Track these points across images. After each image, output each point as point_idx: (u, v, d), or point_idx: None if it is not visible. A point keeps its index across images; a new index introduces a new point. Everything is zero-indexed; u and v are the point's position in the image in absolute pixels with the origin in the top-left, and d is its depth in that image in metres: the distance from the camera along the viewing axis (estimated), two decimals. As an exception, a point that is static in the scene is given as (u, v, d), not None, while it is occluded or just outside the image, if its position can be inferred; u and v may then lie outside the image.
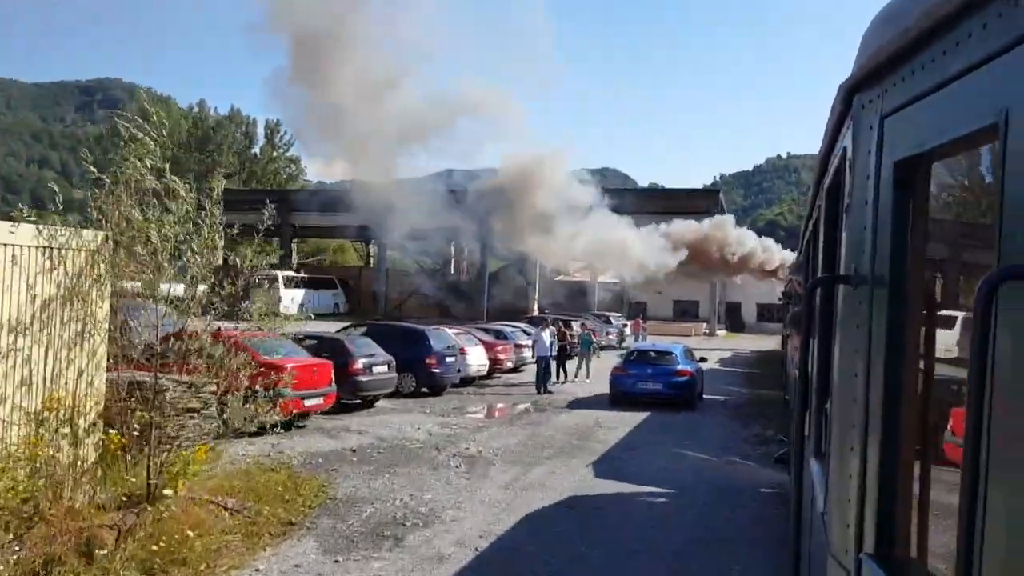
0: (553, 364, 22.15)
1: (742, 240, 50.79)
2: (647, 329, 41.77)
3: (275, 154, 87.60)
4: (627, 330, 41.62)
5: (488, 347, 23.76)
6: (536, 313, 59.78)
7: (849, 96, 2.21)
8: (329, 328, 21.83)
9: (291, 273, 54.93)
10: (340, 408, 16.35)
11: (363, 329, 20.35)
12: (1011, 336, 1.30)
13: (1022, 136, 1.31)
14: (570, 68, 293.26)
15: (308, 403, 14.13)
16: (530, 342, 24.01)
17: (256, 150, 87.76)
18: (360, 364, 16.47)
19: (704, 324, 56.33)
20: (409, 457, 12.42)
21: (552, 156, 48.26)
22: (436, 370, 19.15)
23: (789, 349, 17.00)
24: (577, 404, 18.91)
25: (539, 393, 20.41)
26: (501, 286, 64.89)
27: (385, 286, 58.98)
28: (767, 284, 53.60)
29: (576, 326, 32.54)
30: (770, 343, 49.63)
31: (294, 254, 68.65)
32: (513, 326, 28.71)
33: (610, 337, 38.85)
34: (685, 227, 49.17)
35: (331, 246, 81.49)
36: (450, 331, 22.27)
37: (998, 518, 1.29)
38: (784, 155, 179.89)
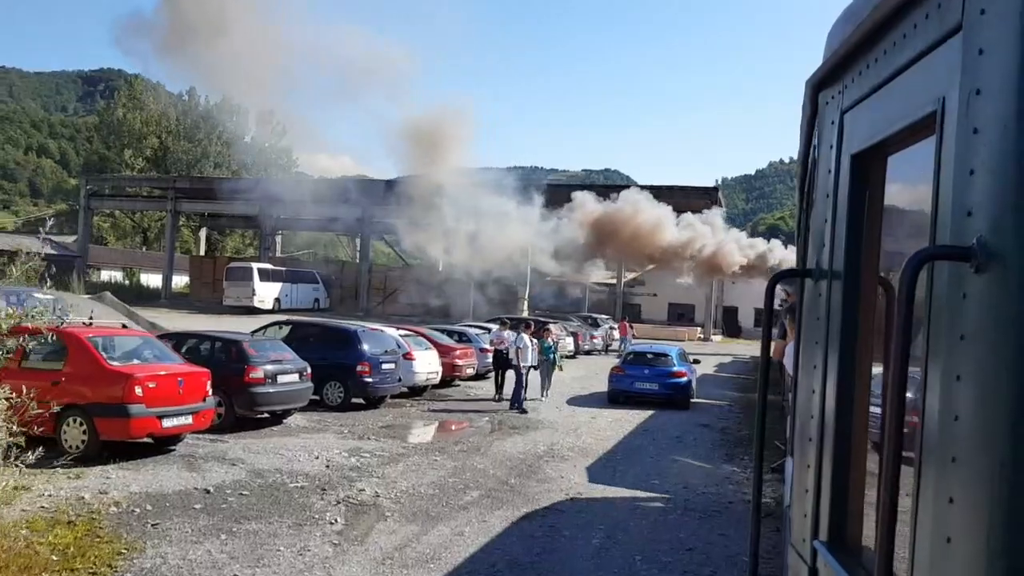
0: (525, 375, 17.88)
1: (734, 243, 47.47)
2: (634, 333, 38.32)
3: (266, 144, 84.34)
4: (615, 333, 38.16)
5: (444, 351, 20.40)
6: (525, 314, 56.71)
7: (815, 93, 2.27)
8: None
9: (267, 266, 51.56)
10: (238, 426, 13.06)
11: (287, 328, 16.97)
12: (938, 314, 1.32)
13: (955, 123, 1.32)
14: (568, 68, 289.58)
15: (168, 424, 10.79)
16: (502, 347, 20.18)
17: (248, 139, 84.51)
18: (259, 372, 13.12)
19: (699, 328, 52.88)
20: (276, 504, 9.07)
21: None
22: (369, 379, 15.78)
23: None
24: (533, 426, 15.54)
25: (516, 409, 16.90)
26: (490, 285, 61.63)
27: (368, 281, 55.62)
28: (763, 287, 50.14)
29: (555, 329, 29.22)
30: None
31: (277, 246, 65.43)
32: (481, 327, 25.34)
33: (595, 341, 35.44)
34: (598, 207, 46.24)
35: (324, 240, 78.24)
36: (396, 332, 18.93)
37: (927, 498, 1.30)
38: (786, 159, 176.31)
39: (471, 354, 21.39)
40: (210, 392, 11.53)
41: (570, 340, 31.12)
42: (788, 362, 4.91)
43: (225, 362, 13.25)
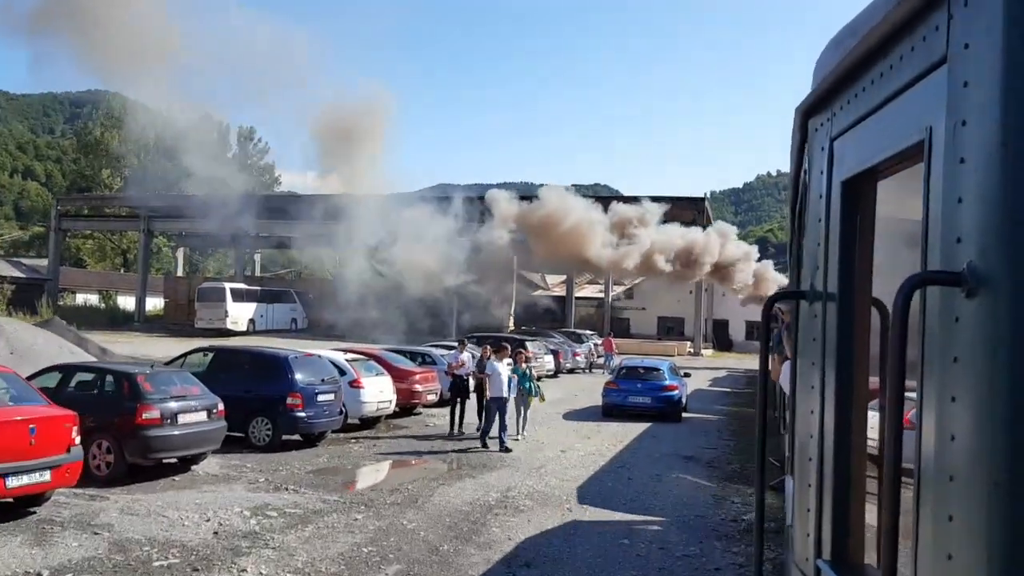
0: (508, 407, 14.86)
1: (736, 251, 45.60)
2: (617, 349, 36.01)
3: (248, 161, 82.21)
4: (602, 349, 35.86)
5: (401, 376, 18.12)
6: (511, 329, 54.44)
7: (804, 120, 2.30)
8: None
9: (240, 286, 49.21)
10: (133, 475, 10.80)
11: (209, 356, 14.63)
12: (931, 337, 1.36)
13: (942, 152, 1.36)
14: (557, 85, 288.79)
15: (14, 483, 8.47)
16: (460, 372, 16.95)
17: (230, 156, 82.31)
18: (155, 412, 10.82)
19: (689, 343, 50.67)
20: (117, 598, 6.79)
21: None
22: (301, 413, 13.47)
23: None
24: (491, 464, 13.25)
25: (501, 449, 14.14)
26: (474, 300, 59.35)
27: (343, 300, 53.25)
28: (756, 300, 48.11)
29: (534, 348, 26.98)
30: (756, 364, 44.27)
31: (256, 265, 63.16)
32: (448, 347, 23.05)
33: (578, 358, 33.14)
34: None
35: (309, 257, 75.88)
36: (343, 356, 16.64)
37: (926, 517, 1.32)
38: (774, 172, 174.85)
39: (433, 378, 19.09)
40: (76, 440, 9.22)
41: (550, 358, 28.85)
42: (785, 381, 3.96)
43: (114, 400, 10.96)
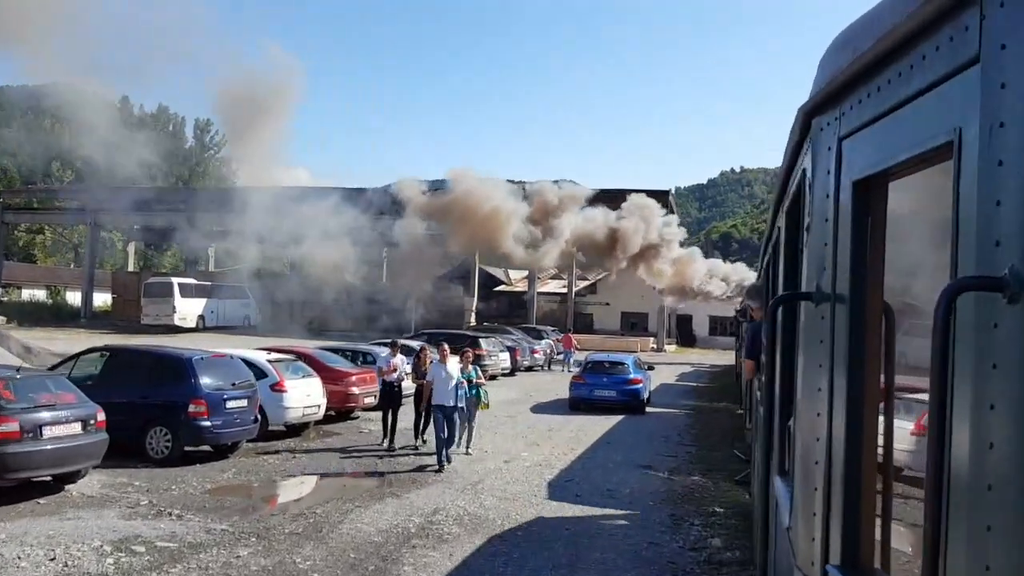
0: (456, 419, 12.68)
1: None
2: (578, 345, 34.48)
3: (205, 155, 79.60)
4: (561, 346, 34.30)
5: (336, 377, 16.40)
6: (472, 325, 52.79)
7: (808, 119, 2.24)
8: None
9: (189, 280, 46.92)
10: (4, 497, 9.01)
11: (104, 357, 12.73)
12: (966, 343, 1.30)
13: (974, 154, 1.31)
14: (519, 81, 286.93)
15: None
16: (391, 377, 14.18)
17: (186, 148, 79.66)
18: (13, 424, 8.97)
19: (652, 338, 49.39)
20: None
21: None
22: (205, 422, 11.68)
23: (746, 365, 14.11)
24: (420, 481, 11.57)
25: (439, 468, 12.02)
26: (434, 296, 57.57)
27: (300, 295, 51.17)
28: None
29: (488, 346, 25.36)
30: (724, 358, 43.11)
31: (210, 260, 60.76)
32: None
33: (536, 355, 31.54)
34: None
35: (268, 253, 73.42)
36: (265, 356, 14.85)
37: (959, 529, 1.28)
38: (738, 168, 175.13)
39: (372, 379, 17.30)
40: None
41: (505, 356, 27.25)
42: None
43: (-37, 411, 9.13)
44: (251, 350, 15.58)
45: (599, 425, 17.53)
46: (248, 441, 13.08)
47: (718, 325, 57.18)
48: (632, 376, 20.01)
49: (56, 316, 50.80)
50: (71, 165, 73.11)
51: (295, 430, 14.75)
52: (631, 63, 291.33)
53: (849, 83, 1.88)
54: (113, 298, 54.12)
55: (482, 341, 24.98)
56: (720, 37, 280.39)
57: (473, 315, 57.96)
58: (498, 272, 66.89)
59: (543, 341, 33.57)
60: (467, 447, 13.41)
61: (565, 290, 57.50)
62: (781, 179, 3.34)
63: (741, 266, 49.23)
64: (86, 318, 50.99)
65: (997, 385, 1.22)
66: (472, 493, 10.71)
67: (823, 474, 1.96)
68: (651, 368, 23.17)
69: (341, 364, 17.21)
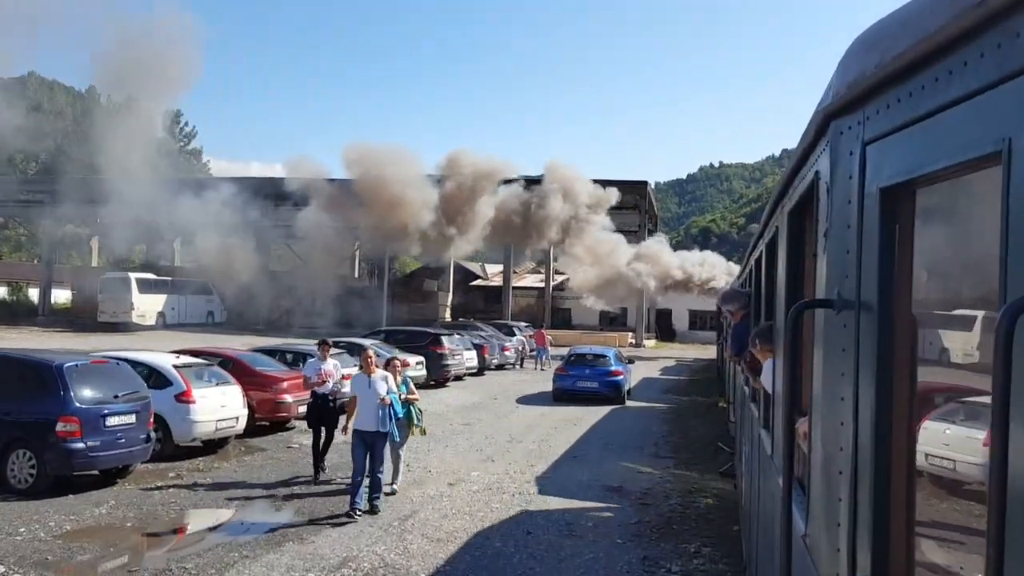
0: (388, 446, 9.84)
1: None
2: (552, 341, 32.27)
3: (175, 146, 76.61)
4: (534, 343, 32.11)
5: (263, 383, 14.18)
6: (448, 319, 50.57)
7: (827, 120, 2.15)
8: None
9: (148, 276, 44.38)
10: None
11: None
12: (1017, 362, 1.22)
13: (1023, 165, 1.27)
14: (496, 76, 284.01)
15: None
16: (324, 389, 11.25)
17: (157, 138, 76.51)
18: None
19: (630, 333, 47.37)
20: None
21: None
22: (78, 443, 9.42)
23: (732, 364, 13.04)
24: (342, 516, 9.34)
25: (351, 514, 9.01)
26: (409, 291, 55.29)
27: (270, 291, 48.72)
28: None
29: (450, 344, 23.18)
30: (705, 352, 41.28)
31: (176, 254, 58.11)
32: (342, 344, 19.05)
33: (507, 353, 29.36)
34: None
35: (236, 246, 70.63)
36: (172, 360, 12.57)
37: (1018, 544, 1.22)
38: (716, 164, 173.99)
39: (298, 386, 15.10)
40: None
41: (472, 355, 25.06)
42: (766, 381, 4.10)
43: None
44: (158, 353, 13.30)
45: (568, 431, 15.40)
46: (147, 462, 10.85)
47: (698, 319, 55.33)
48: (613, 368, 20.49)
49: (11, 313, 48.08)
50: (35, 156, 70.14)
51: (211, 447, 12.52)
52: (609, 58, 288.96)
53: (877, 86, 1.78)
54: (73, 295, 51.43)
55: (444, 339, 22.77)
56: (699, 33, 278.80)
57: (448, 310, 55.83)
58: (474, 267, 64.76)
59: (515, 338, 31.37)
60: (392, 483, 10.25)
61: (543, 284, 55.40)
62: (785, 178, 3.22)
63: (711, 255, 47.10)
64: (44, 315, 48.36)
65: None
66: (397, 533, 8.51)
67: (848, 485, 1.90)
68: (632, 361, 23.85)
69: (271, 368, 14.98)
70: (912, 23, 1.60)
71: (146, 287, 42.90)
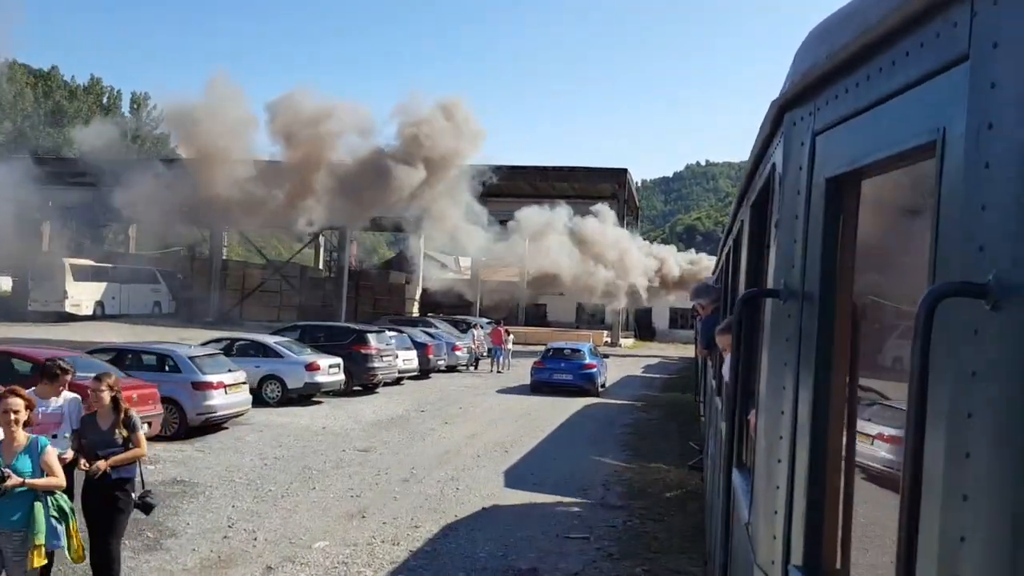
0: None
1: None
2: (513, 339, 28.07)
3: (142, 131, 72.18)
4: (490, 341, 27.87)
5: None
6: (416, 313, 46.64)
7: (780, 113, 2.14)
8: None
9: (85, 262, 40.14)
10: None
11: None
12: (945, 350, 1.22)
13: (958, 154, 1.24)
14: (483, 69, 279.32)
15: None
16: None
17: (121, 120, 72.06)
18: None
19: (606, 332, 43.48)
20: None
21: None
22: None
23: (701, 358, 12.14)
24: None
25: None
26: (374, 283, 51.14)
27: (223, 280, 44.55)
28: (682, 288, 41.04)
29: (377, 342, 19.21)
30: (685, 351, 37.53)
31: (131, 241, 53.78)
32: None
33: (458, 353, 25.26)
34: None
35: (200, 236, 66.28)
36: None
37: (932, 539, 1.19)
38: (703, 162, 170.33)
39: (148, 397, 11.06)
40: None
41: (411, 355, 21.02)
42: (727, 373, 4.01)
43: None
44: None
45: (497, 460, 11.40)
46: None
47: (679, 317, 51.48)
48: (587, 362, 21.13)
49: (-54, 302, 43.75)
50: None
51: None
52: (595, 56, 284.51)
53: (826, 77, 1.78)
54: (14, 281, 47.08)
55: (371, 337, 18.67)
56: (687, 30, 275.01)
57: (415, 304, 51.78)
58: (448, 259, 60.71)
59: (467, 335, 27.26)
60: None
61: (518, 279, 51.40)
62: (748, 172, 3.21)
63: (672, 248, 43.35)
64: (-21, 304, 44.01)
65: (976, 394, 1.16)
66: None
67: (786, 473, 1.89)
68: (606, 356, 24.90)
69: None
70: (859, 14, 1.61)
71: (82, 274, 38.67)
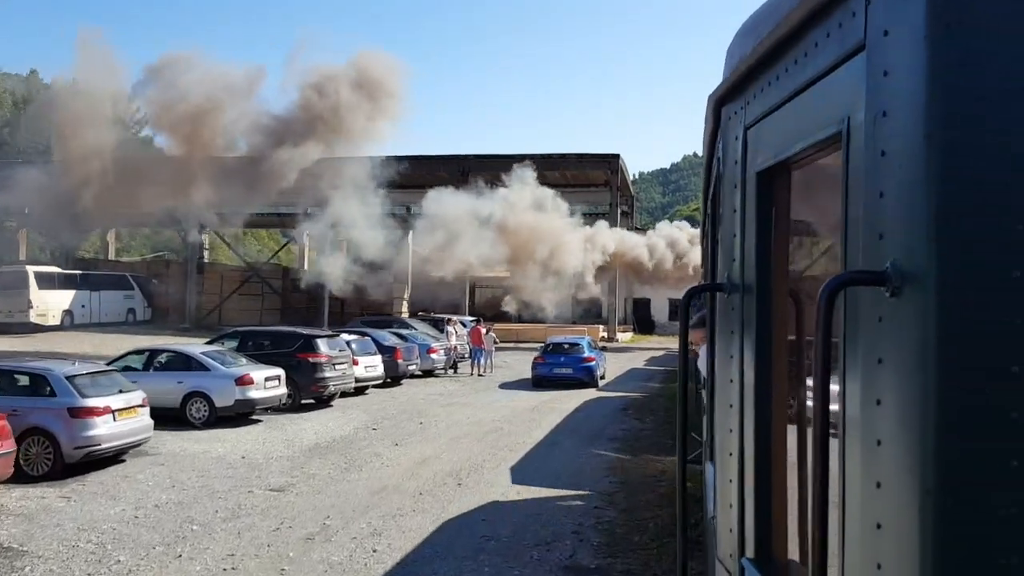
0: None
1: None
2: (495, 338, 25.25)
3: (127, 135, 69.56)
4: (469, 343, 25.01)
5: None
6: (405, 315, 44.06)
7: (718, 107, 2.14)
8: None
9: (51, 269, 37.63)
10: None
11: None
12: (853, 338, 1.22)
13: (862, 145, 1.24)
14: (485, 63, 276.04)
15: None
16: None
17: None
18: None
19: (602, 326, 40.85)
20: None
21: None
22: None
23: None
24: None
25: None
26: (365, 284, 48.51)
27: (201, 285, 41.99)
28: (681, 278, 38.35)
29: (327, 349, 16.59)
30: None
31: (111, 247, 51.30)
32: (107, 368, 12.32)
33: (434, 356, 22.58)
34: None
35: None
36: None
37: (852, 527, 1.21)
38: (700, 152, 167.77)
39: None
40: None
41: (375, 361, 18.41)
42: (703, 366, 4.14)
43: None
44: None
45: (439, 504, 8.80)
46: None
47: (679, 309, 48.84)
48: (586, 355, 21.26)
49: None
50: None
51: None
52: (590, 44, 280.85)
53: (752, 71, 1.77)
54: (-13, 293, 44.55)
55: (320, 342, 16.02)
56: (683, 20, 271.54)
57: (405, 303, 49.20)
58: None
59: (444, 335, 24.59)
60: None
61: (508, 274, 48.74)
62: (705, 167, 3.25)
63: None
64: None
65: (883, 380, 1.16)
66: None
67: (737, 466, 1.87)
68: (605, 348, 25.39)
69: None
70: (777, 7, 1.59)
71: (47, 282, 36.12)
